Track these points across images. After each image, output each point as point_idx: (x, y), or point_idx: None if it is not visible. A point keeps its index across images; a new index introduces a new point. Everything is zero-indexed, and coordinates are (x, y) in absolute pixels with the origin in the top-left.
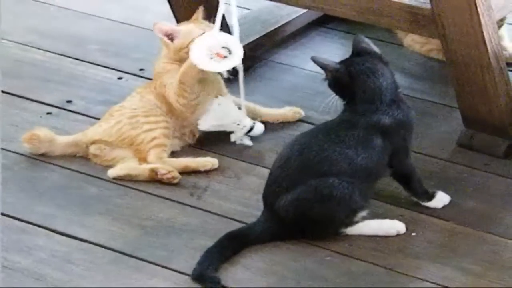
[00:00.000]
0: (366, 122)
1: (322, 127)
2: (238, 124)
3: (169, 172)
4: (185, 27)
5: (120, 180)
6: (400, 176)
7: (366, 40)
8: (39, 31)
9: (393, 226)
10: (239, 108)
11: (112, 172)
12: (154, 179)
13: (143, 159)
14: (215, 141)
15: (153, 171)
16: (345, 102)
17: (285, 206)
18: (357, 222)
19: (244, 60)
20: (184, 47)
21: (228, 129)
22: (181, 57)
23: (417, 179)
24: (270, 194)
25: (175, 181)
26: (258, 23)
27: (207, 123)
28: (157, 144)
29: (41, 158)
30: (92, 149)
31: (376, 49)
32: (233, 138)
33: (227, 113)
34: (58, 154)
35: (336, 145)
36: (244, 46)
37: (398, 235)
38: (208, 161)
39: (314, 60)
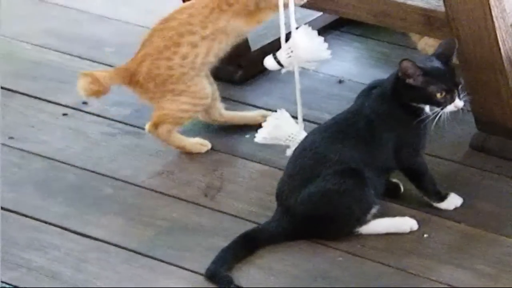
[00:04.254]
0: (370, 113)
1: (331, 121)
2: (293, 138)
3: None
4: None
5: (134, 180)
6: (410, 173)
7: None
8: (57, 34)
9: (406, 223)
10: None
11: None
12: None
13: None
14: (229, 141)
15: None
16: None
17: (299, 202)
18: (369, 220)
19: (258, 63)
20: None
21: (283, 142)
22: None
23: (428, 178)
24: (284, 191)
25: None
26: (273, 26)
27: (261, 136)
28: (175, 121)
29: (56, 158)
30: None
31: None
32: (288, 152)
33: (281, 126)
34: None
35: (345, 137)
36: (259, 49)
37: (410, 234)
38: (202, 144)
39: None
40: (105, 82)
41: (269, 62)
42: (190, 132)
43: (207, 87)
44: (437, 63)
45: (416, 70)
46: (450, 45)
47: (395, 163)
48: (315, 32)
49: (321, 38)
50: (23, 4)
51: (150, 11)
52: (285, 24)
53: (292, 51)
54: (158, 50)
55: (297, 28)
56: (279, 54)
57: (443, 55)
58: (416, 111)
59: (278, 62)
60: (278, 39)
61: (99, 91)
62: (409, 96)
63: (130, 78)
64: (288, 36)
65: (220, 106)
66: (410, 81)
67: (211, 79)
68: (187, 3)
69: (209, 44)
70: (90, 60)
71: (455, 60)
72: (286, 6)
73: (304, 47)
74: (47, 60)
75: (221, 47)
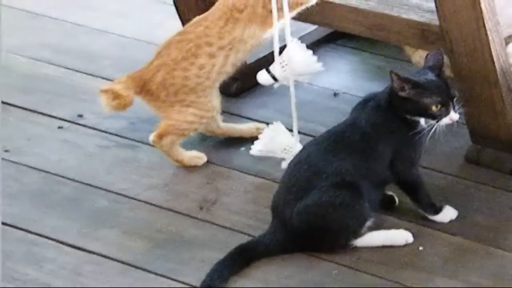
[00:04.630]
0: (366, 126)
1: (327, 134)
2: (288, 151)
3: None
4: None
5: (130, 193)
6: (405, 185)
7: None
8: (53, 47)
9: (401, 236)
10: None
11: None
12: None
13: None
14: (224, 154)
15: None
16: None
17: (295, 214)
18: (364, 233)
19: (254, 76)
20: None
21: (278, 155)
22: None
23: (424, 191)
24: (280, 204)
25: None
26: (267, 39)
27: (256, 148)
28: (180, 132)
29: (51, 171)
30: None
31: None
32: (283, 165)
33: (277, 139)
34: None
35: (341, 149)
36: (254, 62)
37: (406, 247)
38: (199, 157)
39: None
40: (126, 93)
41: (262, 77)
42: (185, 144)
43: (215, 100)
44: (430, 76)
45: (403, 82)
46: (438, 57)
47: (391, 175)
48: (304, 45)
49: (310, 51)
50: (18, 17)
51: (146, 24)
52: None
53: (286, 65)
54: (175, 61)
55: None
56: (272, 68)
57: (434, 67)
58: (412, 123)
59: (273, 77)
60: (273, 53)
61: (125, 105)
62: (404, 109)
63: (143, 86)
64: (281, 50)
65: (219, 118)
66: (402, 94)
67: (218, 92)
68: (201, 16)
69: (226, 54)
70: (86, 74)
71: (448, 72)
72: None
73: (299, 60)
74: (43, 74)
75: (238, 56)
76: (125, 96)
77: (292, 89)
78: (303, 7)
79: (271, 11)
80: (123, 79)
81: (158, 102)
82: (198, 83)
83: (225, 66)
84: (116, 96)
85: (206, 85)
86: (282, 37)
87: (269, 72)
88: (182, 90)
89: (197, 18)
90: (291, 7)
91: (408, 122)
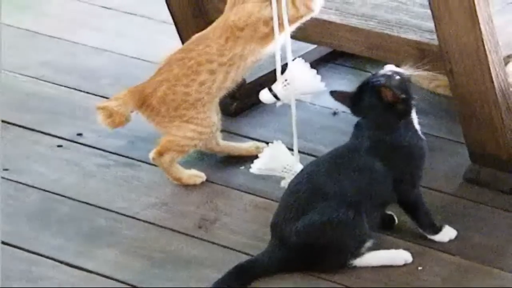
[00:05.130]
0: (367, 144)
1: (328, 154)
2: (288, 170)
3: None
4: None
5: (129, 212)
6: (405, 205)
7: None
8: (52, 66)
9: (400, 256)
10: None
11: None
12: None
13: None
14: (224, 173)
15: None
16: (354, 126)
17: (294, 234)
18: (363, 253)
19: (253, 95)
20: None
21: (278, 173)
22: None
23: (424, 210)
24: (279, 223)
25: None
26: (268, 58)
27: (256, 167)
28: (180, 148)
29: (51, 189)
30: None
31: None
32: (283, 183)
33: (277, 157)
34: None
35: (341, 170)
36: (253, 81)
37: (405, 267)
38: (198, 176)
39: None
40: (121, 111)
41: (265, 95)
42: (185, 163)
43: (214, 116)
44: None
45: (394, 90)
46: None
47: (392, 196)
48: (308, 64)
49: (314, 71)
50: (18, 36)
51: (146, 43)
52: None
53: (288, 83)
54: (176, 77)
55: (293, 60)
56: (275, 87)
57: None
58: (412, 138)
59: (274, 95)
60: (273, 72)
61: (120, 122)
62: (402, 114)
63: (143, 100)
64: (282, 69)
65: (218, 135)
66: (398, 99)
67: (218, 108)
68: (201, 34)
69: (226, 70)
70: (86, 92)
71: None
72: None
73: (301, 79)
74: (43, 92)
75: (239, 72)
76: (119, 113)
77: (293, 108)
78: (303, 20)
79: (272, 29)
80: (122, 94)
81: (158, 117)
82: (198, 99)
83: (225, 82)
84: (111, 113)
85: (206, 100)
86: (283, 57)
87: (271, 90)
88: (182, 105)
89: (198, 35)
90: (291, 21)
91: (408, 137)
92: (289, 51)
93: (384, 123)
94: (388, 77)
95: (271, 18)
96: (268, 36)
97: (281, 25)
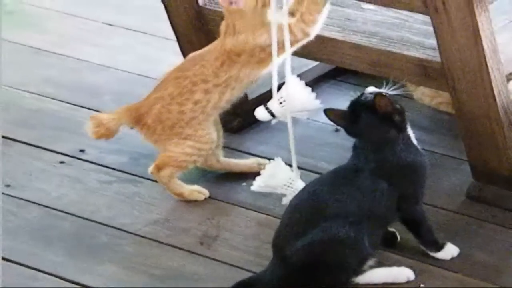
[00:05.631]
0: (371, 165)
1: (330, 173)
2: (289, 187)
3: None
4: None
5: (131, 228)
6: (408, 222)
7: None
8: (55, 82)
9: (403, 273)
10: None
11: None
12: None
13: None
14: (225, 190)
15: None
16: (352, 147)
17: (296, 252)
18: (365, 270)
19: (253, 112)
20: None
21: (278, 191)
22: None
23: (427, 227)
24: (281, 241)
25: None
26: (269, 75)
27: (257, 184)
28: (178, 164)
29: (52, 206)
30: None
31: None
32: (284, 201)
33: (278, 175)
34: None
35: (345, 189)
36: (255, 98)
37: (407, 284)
38: (200, 192)
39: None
40: (110, 125)
41: (260, 113)
42: (187, 180)
43: (213, 133)
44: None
45: (391, 101)
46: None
47: (395, 214)
48: (303, 83)
49: (309, 89)
50: (21, 53)
51: (149, 59)
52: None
53: (284, 101)
54: (171, 96)
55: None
56: (270, 104)
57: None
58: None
59: (270, 113)
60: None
61: (104, 134)
62: (400, 125)
63: (139, 118)
64: (279, 87)
65: (219, 152)
66: (395, 110)
67: (219, 125)
68: (198, 53)
69: (221, 91)
70: (88, 109)
71: (450, 109)
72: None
73: (296, 97)
74: (46, 109)
75: (234, 93)
76: (106, 126)
77: (290, 125)
78: (299, 44)
79: (269, 54)
80: (120, 110)
81: (155, 135)
82: (193, 117)
83: (220, 102)
84: (98, 124)
85: (201, 119)
86: (282, 74)
87: (267, 108)
88: (178, 124)
89: (194, 54)
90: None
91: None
92: (288, 70)
93: (383, 140)
94: (378, 93)
95: (267, 45)
96: (265, 61)
97: (279, 48)
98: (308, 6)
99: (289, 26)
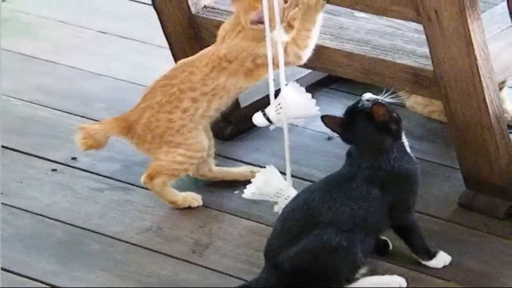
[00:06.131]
0: (365, 172)
1: (323, 181)
2: (281, 194)
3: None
4: None
5: (123, 236)
6: (400, 230)
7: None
8: (47, 90)
9: (395, 281)
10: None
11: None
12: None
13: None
14: (217, 198)
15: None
16: (346, 154)
17: (288, 260)
18: (358, 278)
19: (248, 119)
20: None
21: (271, 198)
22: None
23: (419, 235)
24: (273, 249)
25: None
26: (262, 83)
27: (249, 191)
28: (170, 172)
29: (44, 214)
30: None
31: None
32: (276, 208)
33: (270, 182)
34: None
35: (337, 197)
36: (248, 105)
37: None
38: (194, 198)
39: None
40: (99, 136)
41: (258, 118)
42: (179, 187)
43: (204, 141)
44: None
45: (388, 109)
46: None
47: (388, 222)
48: (303, 89)
49: (309, 95)
50: (13, 60)
51: (141, 67)
52: (274, 80)
53: (281, 107)
54: (159, 104)
55: (286, 84)
56: (268, 110)
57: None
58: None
59: (267, 119)
60: (267, 96)
61: (92, 145)
62: (397, 133)
63: (129, 128)
64: (277, 93)
65: (211, 161)
66: (391, 118)
67: (210, 134)
68: (187, 60)
69: (209, 99)
70: (81, 116)
71: (442, 117)
72: (276, 66)
73: (294, 103)
74: (38, 116)
75: (222, 102)
76: (93, 138)
77: (286, 132)
78: (290, 65)
79: (258, 66)
80: (108, 120)
81: (146, 144)
82: (182, 125)
83: (208, 110)
84: (86, 135)
85: (190, 127)
86: (278, 80)
87: (264, 114)
88: (167, 132)
89: (183, 61)
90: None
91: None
92: (283, 77)
93: (378, 148)
94: (375, 100)
95: (260, 57)
96: (252, 72)
97: (273, 64)
98: (299, 33)
99: (284, 48)
